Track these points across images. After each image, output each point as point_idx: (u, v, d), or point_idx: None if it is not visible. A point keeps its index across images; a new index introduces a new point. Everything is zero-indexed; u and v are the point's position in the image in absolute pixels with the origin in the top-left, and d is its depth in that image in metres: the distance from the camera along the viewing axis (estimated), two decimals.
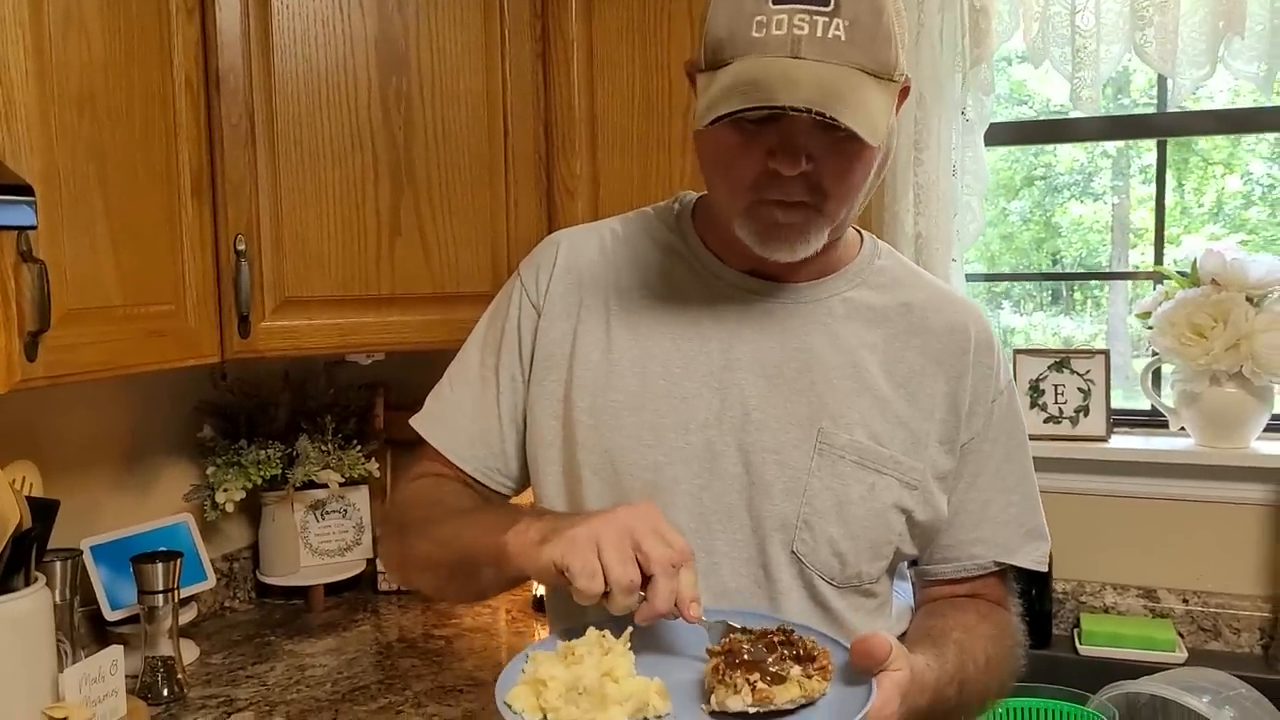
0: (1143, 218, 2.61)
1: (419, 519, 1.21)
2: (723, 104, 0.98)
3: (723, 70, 1.02)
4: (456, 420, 1.26)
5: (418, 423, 1.29)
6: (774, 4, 0.99)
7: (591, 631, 0.99)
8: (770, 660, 0.93)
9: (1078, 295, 3.10)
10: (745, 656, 0.93)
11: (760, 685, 0.91)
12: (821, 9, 0.98)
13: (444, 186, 1.87)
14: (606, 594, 0.94)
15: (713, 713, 0.93)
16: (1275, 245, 2.63)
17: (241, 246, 1.69)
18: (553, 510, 1.19)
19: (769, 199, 1.06)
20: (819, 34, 0.98)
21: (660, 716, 0.93)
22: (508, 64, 1.90)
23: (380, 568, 2.30)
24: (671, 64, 1.86)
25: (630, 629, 0.98)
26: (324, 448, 2.21)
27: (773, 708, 0.92)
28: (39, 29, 1.35)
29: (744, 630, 0.99)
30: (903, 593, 1.29)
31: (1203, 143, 2.58)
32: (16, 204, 1.17)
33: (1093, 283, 2.99)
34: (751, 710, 0.91)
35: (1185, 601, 2.06)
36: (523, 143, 1.93)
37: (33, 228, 1.21)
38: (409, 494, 1.26)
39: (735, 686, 0.92)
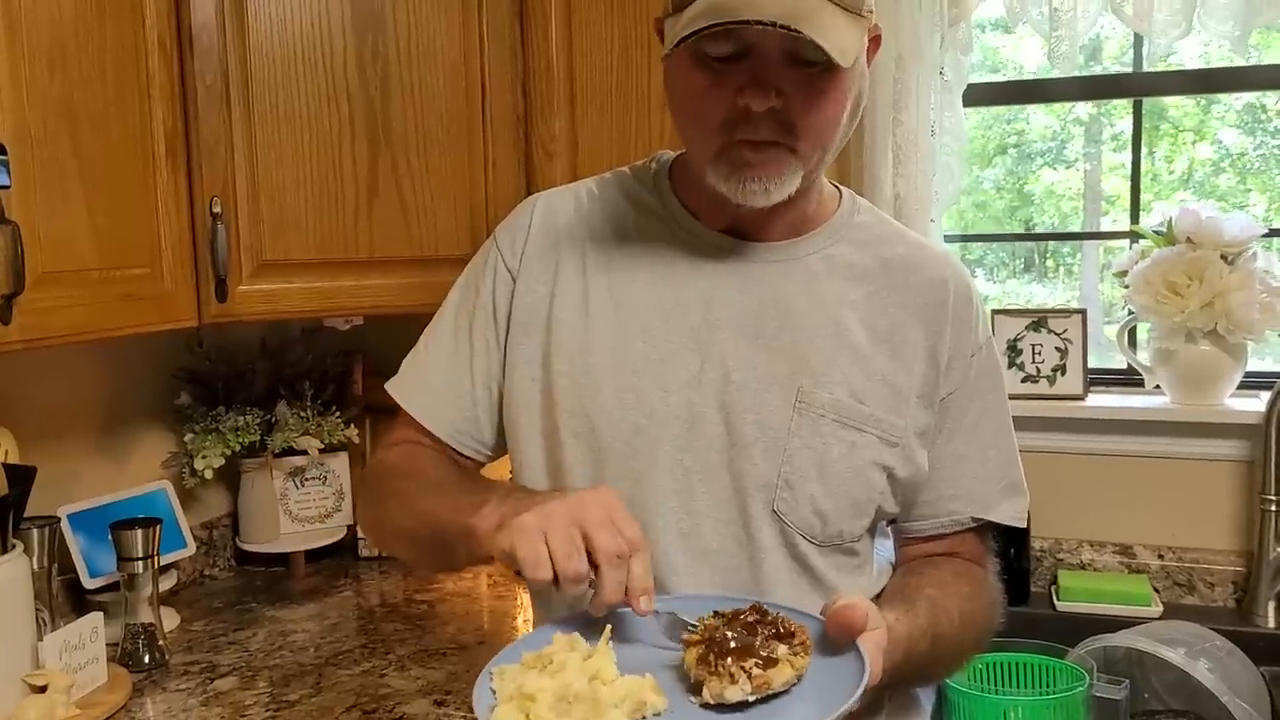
0: (1115, 185, 2.62)
1: (395, 490, 1.21)
2: (689, 27, 0.98)
3: (689, 8, 1.01)
4: (429, 384, 1.26)
5: (392, 387, 1.29)
6: None
7: (558, 636, 0.96)
8: (759, 643, 0.90)
9: (1050, 262, 3.12)
10: (732, 644, 0.90)
11: (757, 671, 0.88)
12: None
13: (422, 148, 1.85)
14: (557, 582, 0.93)
15: (705, 705, 0.90)
16: (1245, 211, 2.65)
17: (217, 209, 1.67)
18: (522, 488, 1.18)
19: (740, 139, 1.05)
20: None
21: (658, 714, 0.89)
22: (485, 23, 1.88)
23: (361, 534, 2.30)
24: (649, 22, 1.83)
25: (609, 627, 0.95)
26: (303, 414, 2.20)
27: (768, 692, 0.89)
28: None
29: (716, 614, 0.97)
30: (883, 550, 1.29)
31: (1174, 110, 2.60)
32: None
33: (1065, 250, 3.01)
34: (751, 698, 0.88)
35: (1160, 557, 2.09)
36: (500, 103, 1.91)
37: (5, 187, 1.19)
38: (387, 462, 1.26)
39: (732, 676, 0.88)
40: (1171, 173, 2.74)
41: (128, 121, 1.52)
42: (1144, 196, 2.23)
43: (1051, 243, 3.01)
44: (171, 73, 1.61)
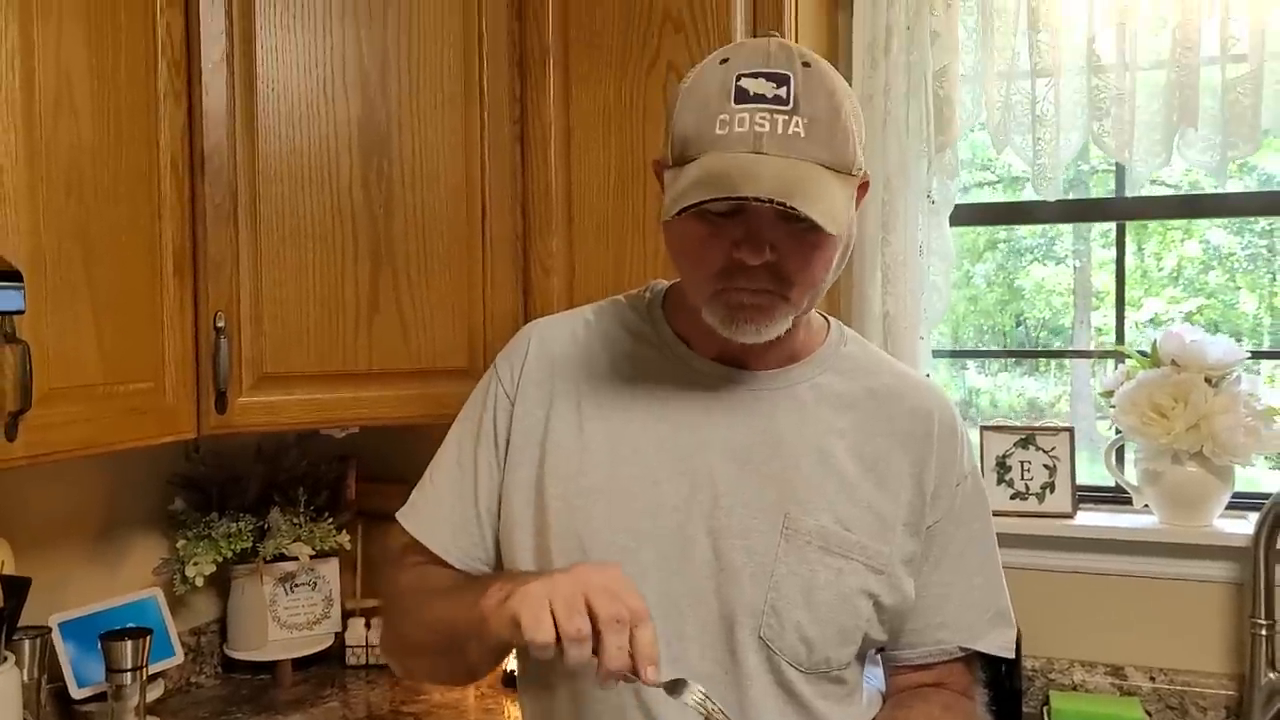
0: (1104, 280, 2.67)
1: (408, 607, 1.23)
2: (688, 196, 1.02)
3: (689, 166, 1.06)
4: (437, 512, 1.28)
5: (403, 516, 1.30)
6: (736, 103, 1.04)
7: None
8: None
9: (1040, 358, 3.16)
10: None
11: None
12: (781, 108, 1.04)
13: (423, 265, 1.90)
14: (561, 649, 0.94)
15: None
16: (1234, 310, 2.70)
17: (221, 323, 1.71)
18: (518, 574, 1.20)
19: (735, 287, 1.10)
20: (779, 131, 1.03)
21: None
22: (487, 146, 1.94)
23: (349, 641, 2.29)
24: (646, 148, 1.91)
25: None
26: (295, 520, 2.21)
27: None
28: (30, 112, 1.38)
29: None
30: (874, 678, 1.30)
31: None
32: (5, 289, 1.19)
33: (1057, 344, 3.05)
34: None
35: (1152, 679, 2.08)
36: (500, 223, 1.96)
37: (20, 312, 1.23)
38: (400, 584, 1.28)
39: None
40: (1160, 269, 2.79)
41: (138, 241, 1.57)
42: (1134, 293, 2.27)
43: (1042, 334, 3.05)
44: (182, 194, 1.66)
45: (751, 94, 1.04)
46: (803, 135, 1.04)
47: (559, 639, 0.94)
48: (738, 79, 1.05)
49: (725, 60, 1.08)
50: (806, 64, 1.07)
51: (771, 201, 0.99)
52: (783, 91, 1.04)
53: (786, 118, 1.03)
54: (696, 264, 1.12)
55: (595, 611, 0.95)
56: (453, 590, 1.18)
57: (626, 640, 0.95)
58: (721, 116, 1.05)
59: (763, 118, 1.03)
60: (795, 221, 1.04)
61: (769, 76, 1.05)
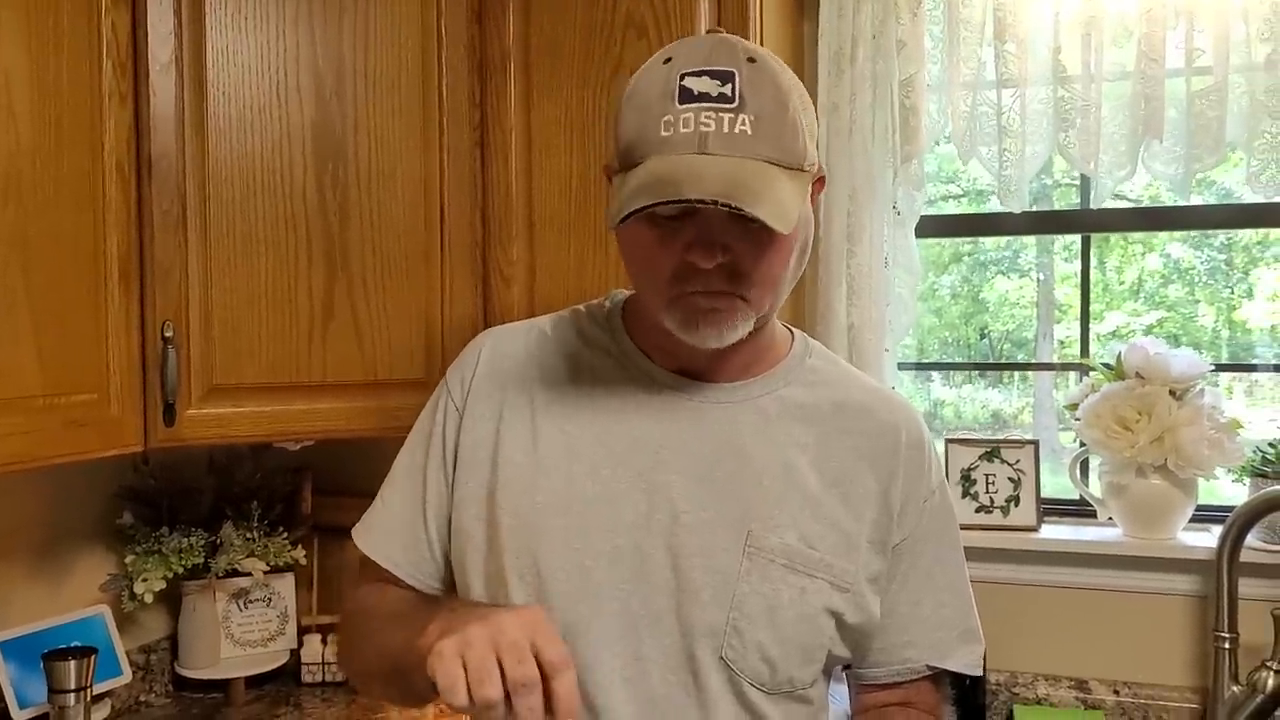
0: (1067, 293, 2.68)
1: (361, 630, 1.20)
2: (633, 201, 1.00)
3: (634, 171, 1.04)
4: (386, 525, 1.26)
5: (355, 533, 1.28)
6: (679, 103, 1.02)
7: None
8: None
9: (1007, 370, 3.18)
10: None
11: None
12: (726, 106, 1.01)
13: (379, 273, 1.86)
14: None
15: None
16: (1193, 323, 2.72)
17: (169, 333, 1.66)
18: (466, 604, 1.16)
19: (691, 291, 1.07)
20: (725, 129, 1.01)
21: None
22: (446, 152, 1.90)
23: (305, 658, 2.24)
24: (608, 155, 1.87)
25: None
26: (249, 534, 2.16)
27: None
28: None
29: None
30: (838, 697, 1.27)
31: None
32: None
33: (1021, 356, 3.07)
34: None
35: (1116, 693, 2.07)
36: (459, 230, 1.92)
37: None
38: (355, 603, 1.26)
39: None
40: (1122, 283, 2.80)
41: (80, 248, 1.52)
42: (1096, 306, 2.28)
43: (1006, 346, 3.06)
44: (129, 198, 1.61)
45: (696, 93, 1.02)
46: (749, 133, 1.01)
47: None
48: (681, 78, 1.03)
49: (668, 60, 1.06)
50: (751, 59, 1.05)
51: (716, 203, 0.97)
52: (727, 89, 1.02)
53: (732, 116, 1.01)
54: (649, 270, 1.09)
55: (505, 673, 0.91)
56: (401, 618, 1.14)
57: (539, 701, 0.92)
58: (666, 118, 1.02)
59: (708, 117, 1.01)
60: (747, 221, 1.01)
61: (713, 74, 1.03)
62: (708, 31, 1.12)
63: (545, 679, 0.92)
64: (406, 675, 1.05)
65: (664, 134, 1.02)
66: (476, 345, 1.28)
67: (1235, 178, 2.46)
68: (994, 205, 2.13)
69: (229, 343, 1.74)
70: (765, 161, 1.02)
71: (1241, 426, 2.01)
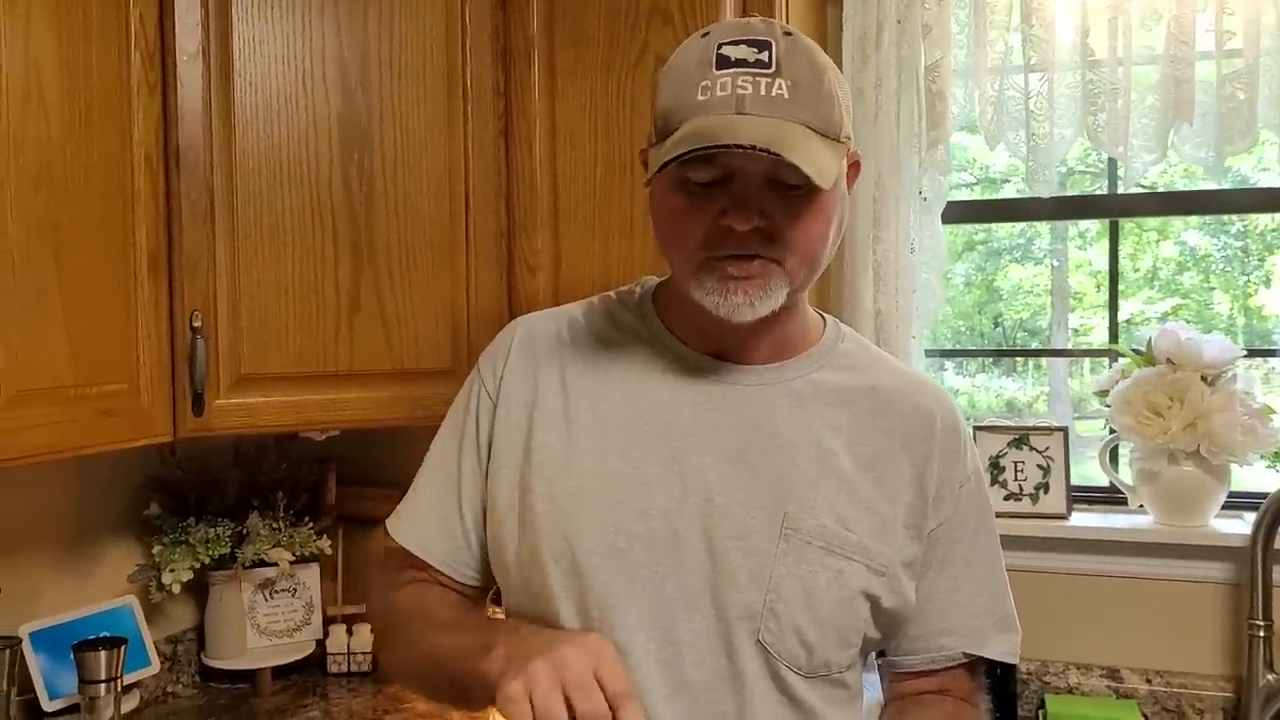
0: (1080, 281, 2.65)
1: (408, 637, 1.20)
2: (671, 152, 0.99)
3: (670, 137, 1.03)
4: (420, 515, 1.25)
5: (390, 523, 1.28)
6: (717, 69, 1.02)
7: None
8: None
9: (1019, 358, 3.16)
10: None
11: None
12: (763, 71, 1.02)
13: (404, 262, 1.86)
14: None
15: None
16: (1208, 310, 2.70)
17: (198, 323, 1.66)
18: (525, 627, 1.15)
19: (722, 255, 1.06)
20: (762, 92, 1.01)
21: None
22: (470, 141, 1.90)
23: (330, 648, 2.24)
24: (634, 143, 1.87)
25: None
26: (275, 525, 2.16)
27: None
28: None
29: None
30: (871, 687, 1.26)
31: None
32: None
33: (1035, 344, 3.05)
34: None
35: (1149, 681, 2.05)
36: (484, 218, 1.92)
37: None
38: (396, 604, 1.25)
39: None
40: (1137, 270, 2.79)
41: (110, 238, 1.52)
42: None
43: (1020, 335, 3.04)
44: (157, 189, 1.61)
45: (733, 59, 1.02)
46: (786, 97, 1.02)
47: None
48: (718, 47, 1.03)
49: (706, 34, 1.07)
50: (788, 33, 1.05)
51: (755, 149, 0.96)
52: (764, 56, 1.02)
53: (769, 80, 1.02)
54: (680, 237, 1.08)
55: (574, 708, 0.92)
56: (454, 628, 1.15)
57: None
58: (703, 83, 1.02)
59: (745, 80, 1.01)
60: (785, 189, 1.01)
61: (750, 43, 1.03)
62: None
63: (612, 709, 0.93)
64: (463, 690, 1.08)
65: (701, 98, 1.02)
66: (508, 333, 1.27)
67: (1251, 163, 2.44)
68: (1008, 192, 2.11)
69: (257, 333, 1.74)
70: (802, 125, 1.02)
71: (1274, 412, 1.99)
